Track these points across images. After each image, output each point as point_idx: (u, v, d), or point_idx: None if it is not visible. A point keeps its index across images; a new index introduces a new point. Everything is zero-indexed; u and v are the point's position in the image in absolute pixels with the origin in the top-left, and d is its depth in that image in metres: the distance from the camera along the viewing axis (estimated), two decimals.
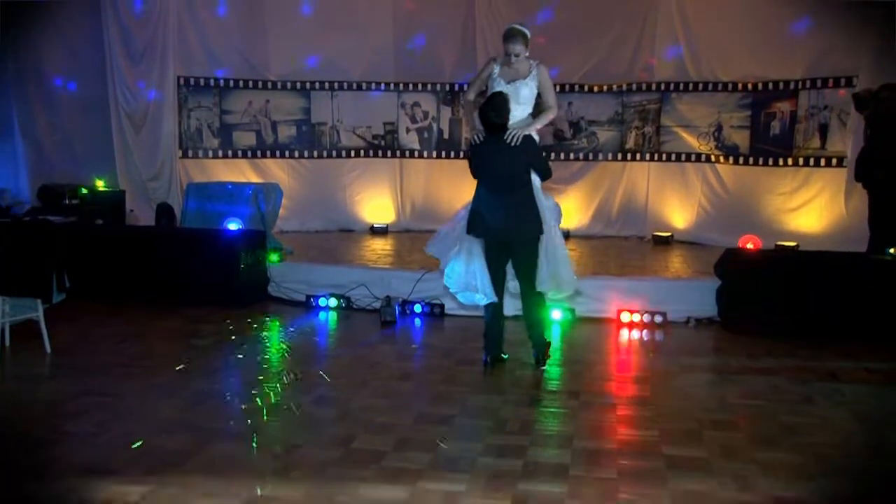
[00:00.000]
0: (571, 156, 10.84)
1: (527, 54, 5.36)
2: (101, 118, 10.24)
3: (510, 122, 5.22)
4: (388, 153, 11.24)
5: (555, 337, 6.52)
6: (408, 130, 11.25)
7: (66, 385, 5.11)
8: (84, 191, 9.82)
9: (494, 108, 5.18)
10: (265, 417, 4.53)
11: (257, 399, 4.82)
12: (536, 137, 5.40)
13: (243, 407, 4.68)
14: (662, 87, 10.41)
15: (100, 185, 10.11)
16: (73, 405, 4.70)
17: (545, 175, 5.36)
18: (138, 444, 4.07)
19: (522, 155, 5.19)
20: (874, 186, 7.35)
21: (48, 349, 5.77)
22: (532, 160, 5.26)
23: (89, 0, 10.08)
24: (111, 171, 10.26)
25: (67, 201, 9.59)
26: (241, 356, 5.84)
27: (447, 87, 11.08)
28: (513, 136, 5.14)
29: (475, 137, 5.30)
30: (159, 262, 7.68)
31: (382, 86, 11.09)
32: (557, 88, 10.65)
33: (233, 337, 6.36)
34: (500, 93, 5.21)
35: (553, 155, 10.82)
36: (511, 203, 5.21)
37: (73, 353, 5.85)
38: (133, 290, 7.61)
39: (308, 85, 10.96)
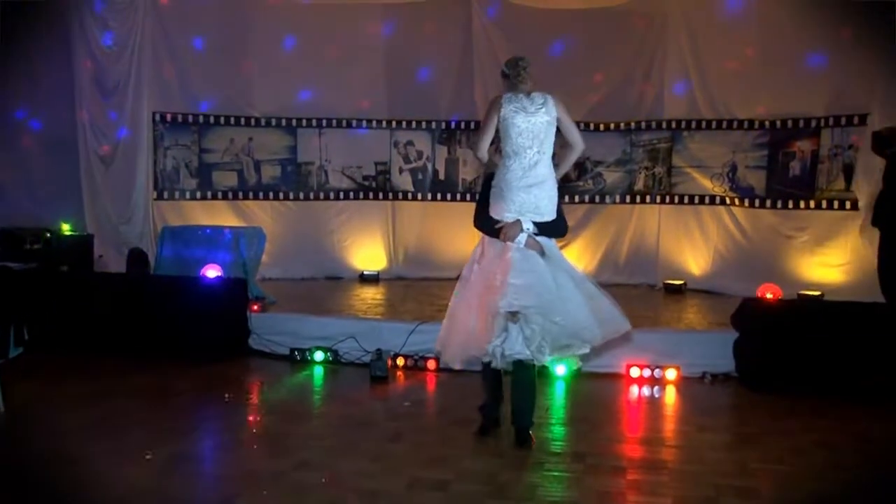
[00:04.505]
0: (576, 198, 10.94)
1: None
2: (69, 156, 10.26)
3: None
4: (380, 195, 11.33)
5: (558, 394, 6.53)
6: (401, 171, 11.36)
7: (23, 449, 5.07)
8: (48, 235, 9.83)
9: None
10: (245, 483, 4.51)
11: (236, 463, 4.80)
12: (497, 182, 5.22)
13: (221, 472, 4.66)
14: (673, 124, 10.57)
15: (65, 228, 10.12)
16: (31, 471, 4.67)
17: None
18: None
19: None
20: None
21: (2, 408, 5.71)
22: None
23: (57, 29, 10.14)
24: (78, 214, 10.26)
25: (29, 246, 9.57)
26: (218, 415, 5.82)
27: (443, 125, 11.22)
28: None
29: None
30: (130, 313, 7.67)
31: (374, 123, 11.23)
32: None
33: (209, 394, 6.34)
34: None
35: None
36: None
37: (33, 412, 5.81)
38: (101, 344, 7.59)
39: (294, 122, 11.10)
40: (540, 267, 5.03)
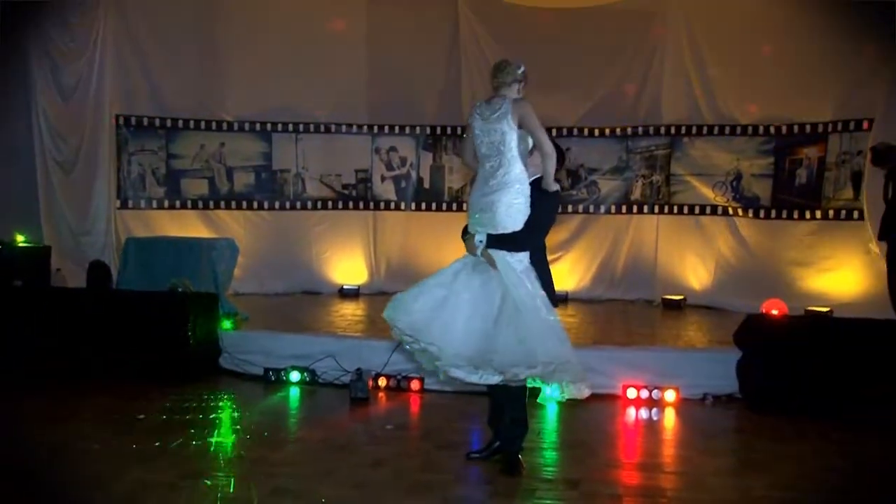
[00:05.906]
0: (570, 208, 10.98)
1: None
2: (24, 162, 10.16)
3: None
4: (361, 205, 11.35)
5: (550, 417, 6.54)
6: (383, 179, 11.39)
7: None
8: (0, 246, 9.77)
9: None
10: None
11: (207, 490, 4.79)
12: None
13: (190, 499, 4.65)
14: (673, 130, 10.65)
15: (19, 239, 10.02)
16: None
17: None
18: None
19: None
20: None
21: None
22: None
23: (9, 26, 10.05)
24: (34, 224, 10.16)
25: None
26: (187, 440, 5.80)
27: (428, 131, 11.24)
28: None
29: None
30: (91, 331, 7.63)
31: (354, 128, 11.25)
32: (553, 132, 10.95)
33: (177, 417, 6.32)
34: None
35: None
36: None
37: None
38: (58, 363, 7.54)
39: (269, 126, 11.11)
40: (462, 287, 5.06)
